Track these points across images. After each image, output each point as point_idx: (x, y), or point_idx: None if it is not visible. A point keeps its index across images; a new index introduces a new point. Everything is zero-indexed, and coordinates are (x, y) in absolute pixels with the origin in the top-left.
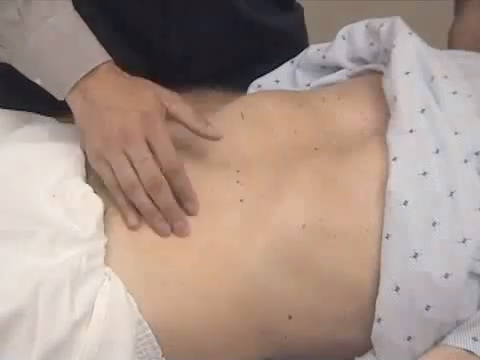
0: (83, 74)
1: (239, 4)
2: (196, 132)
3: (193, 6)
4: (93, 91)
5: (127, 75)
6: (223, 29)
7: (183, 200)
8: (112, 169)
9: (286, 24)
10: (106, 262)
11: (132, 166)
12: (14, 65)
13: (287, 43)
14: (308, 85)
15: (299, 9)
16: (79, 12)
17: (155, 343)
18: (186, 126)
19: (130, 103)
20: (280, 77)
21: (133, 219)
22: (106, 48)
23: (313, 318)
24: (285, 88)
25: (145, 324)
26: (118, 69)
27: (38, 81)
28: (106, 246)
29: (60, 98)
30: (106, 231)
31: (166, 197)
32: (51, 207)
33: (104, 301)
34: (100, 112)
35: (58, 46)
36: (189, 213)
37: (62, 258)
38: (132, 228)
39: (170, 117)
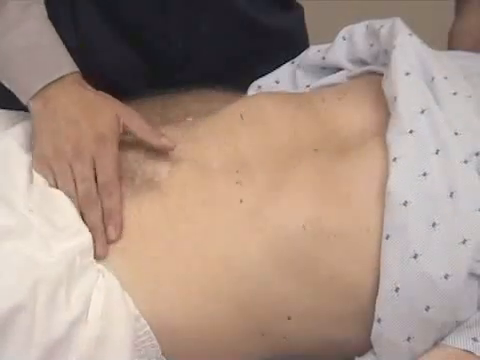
0: (48, 82)
1: (239, 4)
2: (153, 146)
3: (193, 6)
4: (55, 100)
5: (91, 89)
6: (223, 29)
7: (107, 223)
8: (54, 177)
9: (286, 24)
10: (102, 260)
11: (74, 180)
12: None
13: (287, 43)
14: (308, 86)
15: (299, 9)
16: (79, 12)
17: (154, 341)
18: (141, 139)
19: (88, 120)
20: (280, 78)
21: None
22: (106, 48)
23: (313, 318)
24: (285, 89)
25: (143, 321)
26: (83, 82)
27: (5, 83)
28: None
29: (24, 102)
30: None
31: (94, 217)
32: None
33: (100, 297)
34: (57, 122)
35: (26, 52)
36: (111, 238)
37: (57, 252)
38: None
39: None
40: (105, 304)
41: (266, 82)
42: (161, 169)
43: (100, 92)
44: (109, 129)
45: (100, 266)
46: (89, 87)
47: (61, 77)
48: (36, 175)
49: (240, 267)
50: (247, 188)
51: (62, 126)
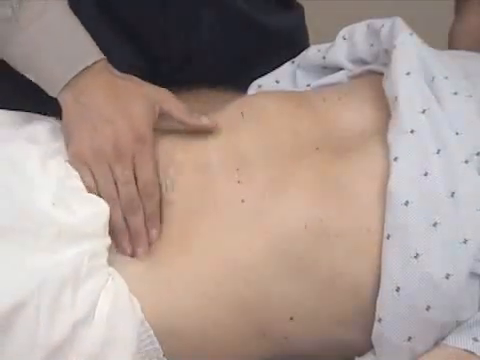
0: (76, 72)
1: (239, 4)
2: (190, 126)
3: (193, 6)
4: (85, 93)
5: (119, 74)
6: (223, 29)
7: (150, 226)
8: (93, 176)
9: (286, 24)
10: (109, 262)
11: (115, 182)
12: (6, 59)
13: (287, 43)
14: (308, 85)
15: (299, 9)
16: (79, 12)
17: (157, 344)
18: (179, 122)
19: (123, 116)
20: (280, 77)
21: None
22: (106, 48)
23: (314, 319)
24: (285, 88)
25: (147, 324)
26: (111, 68)
27: (30, 76)
28: (109, 247)
29: (53, 95)
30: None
31: (139, 220)
32: (54, 209)
33: (107, 300)
34: (92, 119)
35: (51, 44)
36: (150, 240)
37: (66, 256)
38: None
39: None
40: (112, 307)
41: (266, 82)
42: (164, 170)
43: (129, 77)
44: (146, 125)
45: (111, 269)
46: (117, 73)
47: (89, 66)
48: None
49: (242, 268)
50: (248, 187)
51: (98, 124)
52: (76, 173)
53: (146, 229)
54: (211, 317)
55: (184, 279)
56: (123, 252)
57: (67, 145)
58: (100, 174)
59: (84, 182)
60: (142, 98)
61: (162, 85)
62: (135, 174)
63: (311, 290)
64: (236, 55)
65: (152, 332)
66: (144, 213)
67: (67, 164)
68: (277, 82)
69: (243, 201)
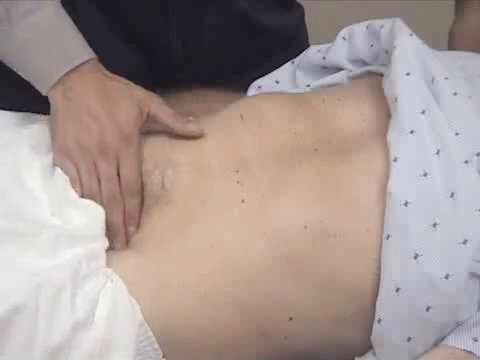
0: (67, 70)
1: (239, 4)
2: (177, 131)
3: (193, 6)
4: (75, 90)
5: (110, 74)
6: (223, 29)
7: (128, 223)
8: (77, 169)
9: (286, 24)
10: (108, 264)
11: (98, 178)
12: None
13: (287, 43)
14: (308, 86)
15: (299, 9)
16: (79, 12)
17: (156, 345)
18: (166, 126)
19: (110, 115)
20: (280, 78)
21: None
22: (106, 48)
23: (313, 319)
24: (285, 89)
25: (146, 326)
26: (102, 67)
27: (22, 74)
28: (108, 248)
29: (43, 92)
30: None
31: (117, 216)
32: (52, 217)
33: (106, 302)
34: (79, 114)
35: (42, 42)
36: (128, 237)
37: (64, 258)
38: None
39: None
40: (111, 308)
41: (266, 82)
42: (163, 171)
43: (120, 78)
44: (133, 127)
45: (109, 271)
46: (108, 73)
47: (79, 65)
48: (58, 172)
49: (242, 268)
50: (247, 188)
51: (84, 120)
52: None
53: (125, 226)
54: (211, 317)
55: (184, 279)
56: None
57: (52, 138)
58: (84, 169)
59: (67, 174)
60: (131, 99)
61: (162, 85)
62: (119, 172)
63: (311, 290)
64: (236, 55)
65: (151, 333)
66: (124, 211)
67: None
68: (277, 82)
69: (243, 201)
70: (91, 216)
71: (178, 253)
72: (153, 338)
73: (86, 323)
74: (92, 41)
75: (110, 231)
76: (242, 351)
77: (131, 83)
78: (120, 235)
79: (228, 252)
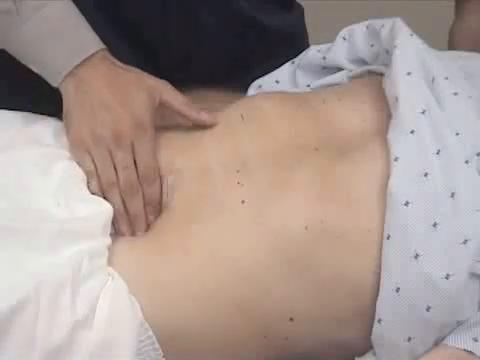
0: (77, 62)
1: (239, 4)
2: (189, 119)
3: (193, 6)
4: (87, 81)
5: (120, 64)
6: (223, 29)
7: (149, 211)
8: (93, 161)
9: (286, 24)
10: (108, 262)
11: (114, 167)
12: (8, 50)
13: (287, 43)
14: (308, 86)
15: (299, 9)
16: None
17: (156, 345)
18: (179, 113)
19: (123, 103)
20: (280, 78)
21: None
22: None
23: (314, 319)
24: (285, 89)
25: (147, 325)
26: (112, 58)
27: (33, 67)
28: (109, 247)
29: (55, 85)
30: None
31: (137, 204)
32: (55, 208)
33: (107, 301)
34: (92, 106)
35: (52, 35)
36: (150, 223)
37: (65, 255)
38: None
39: (162, 106)
40: (111, 308)
41: (266, 82)
42: (164, 171)
43: (130, 68)
44: (146, 113)
45: (110, 269)
46: (119, 63)
47: (90, 56)
48: (65, 166)
49: (242, 268)
50: (248, 188)
51: (97, 110)
52: (79, 175)
53: (145, 214)
54: (211, 317)
55: (184, 280)
56: (121, 234)
57: (67, 132)
58: (100, 159)
59: (84, 167)
60: (142, 87)
61: None
62: (135, 160)
63: (311, 291)
64: (236, 55)
65: (152, 333)
66: (144, 198)
67: (70, 166)
68: (277, 82)
69: (243, 202)
70: (96, 209)
71: (179, 253)
72: (153, 338)
73: (86, 322)
74: None
75: (130, 220)
76: (242, 351)
77: (142, 72)
78: (141, 223)
79: (228, 252)
